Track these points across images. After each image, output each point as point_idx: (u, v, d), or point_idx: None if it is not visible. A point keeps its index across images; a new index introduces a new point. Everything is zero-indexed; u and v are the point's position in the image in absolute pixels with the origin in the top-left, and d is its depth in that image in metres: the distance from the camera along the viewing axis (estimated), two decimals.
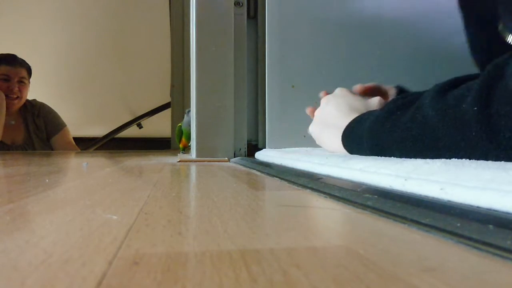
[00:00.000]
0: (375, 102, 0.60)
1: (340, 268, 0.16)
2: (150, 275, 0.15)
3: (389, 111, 0.47)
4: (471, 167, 0.30)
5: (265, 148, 0.95)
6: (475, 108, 0.35)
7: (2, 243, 0.20)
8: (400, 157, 0.45)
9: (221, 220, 0.25)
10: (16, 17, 2.67)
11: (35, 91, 2.19)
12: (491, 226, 0.20)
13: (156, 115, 2.87)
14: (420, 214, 0.24)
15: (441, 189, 0.27)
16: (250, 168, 0.68)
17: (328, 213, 0.29)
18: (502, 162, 0.34)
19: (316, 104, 0.94)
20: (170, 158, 1.05)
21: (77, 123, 2.62)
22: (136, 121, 2.91)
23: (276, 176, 0.52)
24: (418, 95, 0.44)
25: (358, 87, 0.67)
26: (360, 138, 0.51)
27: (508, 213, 0.22)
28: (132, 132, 2.95)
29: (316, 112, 0.65)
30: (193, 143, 0.95)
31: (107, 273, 0.16)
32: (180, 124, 1.23)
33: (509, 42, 0.47)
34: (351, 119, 0.55)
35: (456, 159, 0.39)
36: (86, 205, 0.30)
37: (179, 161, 0.87)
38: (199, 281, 0.15)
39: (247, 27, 0.99)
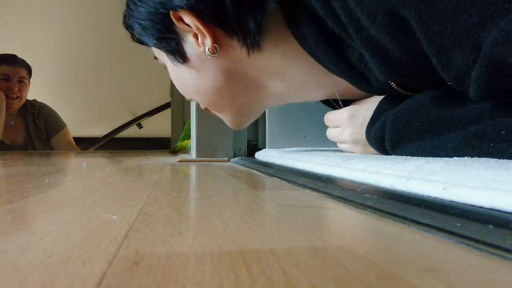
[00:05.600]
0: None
1: (340, 268, 0.16)
2: (150, 275, 0.15)
3: (419, 103, 0.46)
4: (473, 166, 0.30)
5: (265, 148, 0.95)
6: (503, 132, 0.36)
7: (2, 243, 0.20)
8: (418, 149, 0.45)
9: (221, 220, 0.25)
10: (16, 17, 2.67)
11: (35, 91, 2.18)
12: (491, 226, 0.20)
13: (156, 115, 2.87)
14: (420, 214, 0.24)
15: (444, 189, 0.27)
16: (250, 168, 0.68)
17: (328, 213, 0.29)
18: (505, 160, 0.34)
19: (317, 104, 0.94)
20: (170, 158, 1.05)
21: (77, 123, 2.62)
22: (136, 121, 2.91)
23: (276, 176, 0.52)
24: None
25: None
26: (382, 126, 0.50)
27: (510, 212, 0.22)
28: (132, 132, 2.94)
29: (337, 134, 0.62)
30: (193, 143, 0.95)
31: (107, 273, 0.16)
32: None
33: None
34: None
35: (458, 158, 0.39)
36: (86, 205, 0.30)
37: (179, 161, 0.87)
38: (199, 281, 0.15)
39: None
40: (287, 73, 0.57)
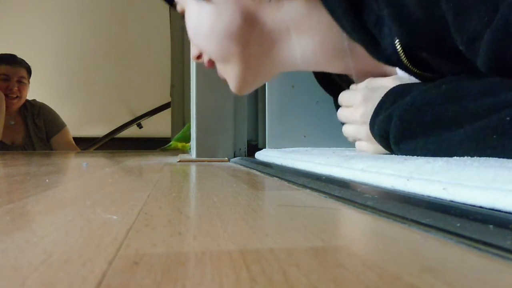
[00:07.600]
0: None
1: (340, 268, 0.16)
2: (150, 275, 0.15)
3: (429, 101, 0.46)
4: (473, 166, 0.30)
5: (265, 148, 0.95)
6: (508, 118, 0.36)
7: (2, 243, 0.20)
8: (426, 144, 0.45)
9: (221, 220, 0.25)
10: (16, 17, 2.67)
11: (35, 91, 2.18)
12: (491, 226, 0.20)
13: (156, 115, 2.87)
14: (420, 214, 0.24)
15: (444, 189, 0.27)
16: (250, 168, 0.68)
17: (328, 213, 0.29)
18: (505, 160, 0.34)
19: (317, 104, 0.94)
20: (170, 158, 1.05)
21: (77, 123, 2.62)
22: (136, 121, 2.91)
23: (276, 176, 0.52)
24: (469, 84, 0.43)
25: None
26: (389, 118, 0.50)
27: (510, 212, 0.22)
28: (132, 132, 2.94)
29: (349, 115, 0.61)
30: (193, 143, 0.95)
31: (107, 273, 0.16)
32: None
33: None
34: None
35: (458, 158, 0.39)
36: (86, 205, 0.30)
37: (179, 161, 0.87)
38: (199, 281, 0.15)
39: None
40: (305, 30, 0.58)
